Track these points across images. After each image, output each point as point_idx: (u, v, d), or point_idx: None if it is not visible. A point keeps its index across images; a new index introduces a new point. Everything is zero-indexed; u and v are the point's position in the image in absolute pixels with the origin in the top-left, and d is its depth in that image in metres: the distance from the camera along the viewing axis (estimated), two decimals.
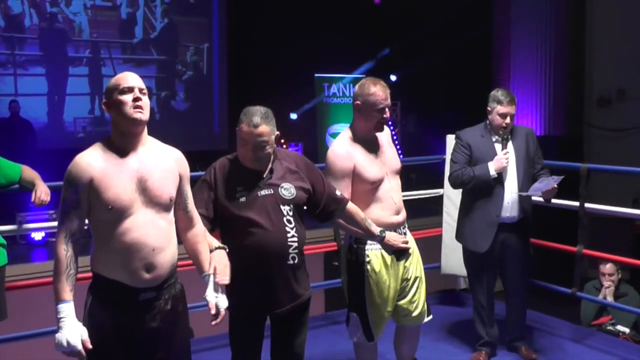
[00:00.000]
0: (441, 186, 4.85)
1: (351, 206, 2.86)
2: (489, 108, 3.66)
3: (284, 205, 2.62)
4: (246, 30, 10.29)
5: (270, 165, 2.66)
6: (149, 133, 2.32)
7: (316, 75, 9.94)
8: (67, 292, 2.15)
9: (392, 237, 2.90)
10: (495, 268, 3.78)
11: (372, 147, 3.09)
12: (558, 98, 10.19)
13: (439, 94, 10.59)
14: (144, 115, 2.22)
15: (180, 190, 2.36)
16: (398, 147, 8.62)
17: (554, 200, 3.80)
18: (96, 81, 10.00)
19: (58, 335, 2.13)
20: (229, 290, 2.58)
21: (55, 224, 2.42)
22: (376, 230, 2.89)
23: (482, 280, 3.75)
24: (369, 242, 3.04)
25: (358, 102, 3.01)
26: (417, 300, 3.22)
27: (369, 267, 3.05)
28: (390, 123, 10.50)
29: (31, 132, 8.69)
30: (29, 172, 3.36)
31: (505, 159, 3.56)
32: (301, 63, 9.66)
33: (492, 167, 3.56)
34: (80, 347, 2.11)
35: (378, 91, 2.96)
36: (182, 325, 2.35)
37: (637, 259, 4.68)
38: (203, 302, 2.38)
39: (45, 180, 3.38)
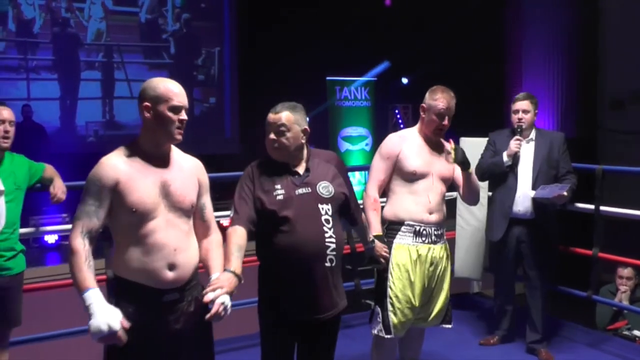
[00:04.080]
0: (454, 189, 4.81)
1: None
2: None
3: (322, 204, 2.56)
4: (257, 34, 10.30)
5: (305, 165, 2.63)
6: None
7: (328, 78, 9.94)
8: (91, 280, 2.09)
9: (378, 246, 3.04)
10: (512, 263, 3.99)
11: (432, 146, 3.21)
12: (570, 100, 10.10)
13: None
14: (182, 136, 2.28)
15: (198, 198, 2.37)
16: None
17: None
18: (108, 85, 10.05)
19: (93, 322, 2.02)
20: (262, 292, 2.59)
21: (68, 226, 2.41)
22: (370, 237, 3.03)
23: (498, 270, 4.10)
24: (398, 235, 3.13)
25: (424, 104, 3.19)
26: (434, 307, 3.24)
27: (394, 260, 3.10)
28: (401, 125, 10.52)
29: (44, 136, 8.76)
30: (50, 171, 3.48)
31: (515, 145, 3.81)
32: (312, 66, 9.64)
33: (505, 154, 3.85)
34: (119, 327, 2.04)
35: (442, 97, 3.13)
36: (205, 327, 2.32)
37: None
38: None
39: None
